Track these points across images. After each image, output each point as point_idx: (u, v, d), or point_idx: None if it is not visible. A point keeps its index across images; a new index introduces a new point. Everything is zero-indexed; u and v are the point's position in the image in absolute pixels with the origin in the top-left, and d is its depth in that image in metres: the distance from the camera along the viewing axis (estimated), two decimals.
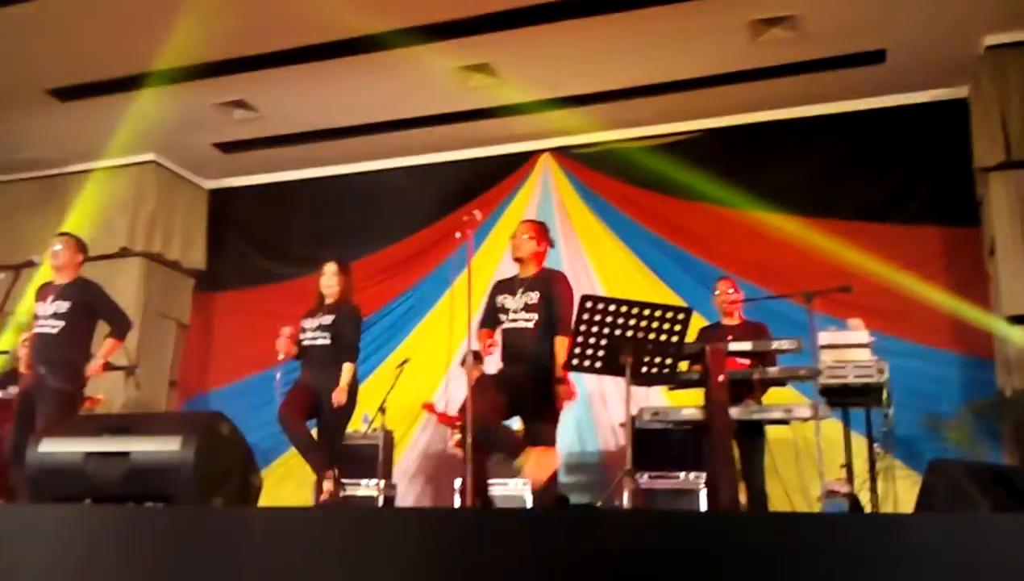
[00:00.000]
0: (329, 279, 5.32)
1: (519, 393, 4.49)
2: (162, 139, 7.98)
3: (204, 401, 8.35)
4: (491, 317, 4.78)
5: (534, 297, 4.65)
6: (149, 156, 8.27)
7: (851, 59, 6.46)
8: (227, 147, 8.16)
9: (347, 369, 5.08)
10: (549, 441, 4.53)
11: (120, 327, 5.43)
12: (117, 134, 7.76)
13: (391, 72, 6.76)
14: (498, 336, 4.73)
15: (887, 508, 4.90)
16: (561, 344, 4.44)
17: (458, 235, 4.54)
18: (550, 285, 4.68)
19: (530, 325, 4.61)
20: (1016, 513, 2.95)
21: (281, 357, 5.23)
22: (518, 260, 4.79)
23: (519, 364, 4.53)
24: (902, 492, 4.97)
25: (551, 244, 4.92)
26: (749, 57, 6.50)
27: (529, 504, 5.63)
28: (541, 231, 4.86)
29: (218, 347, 8.53)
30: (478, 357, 5.48)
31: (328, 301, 5.30)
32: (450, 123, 7.57)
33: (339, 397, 5.00)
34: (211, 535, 2.44)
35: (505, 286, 4.79)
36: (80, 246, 5.52)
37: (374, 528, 2.38)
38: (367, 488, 6.46)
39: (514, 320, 4.64)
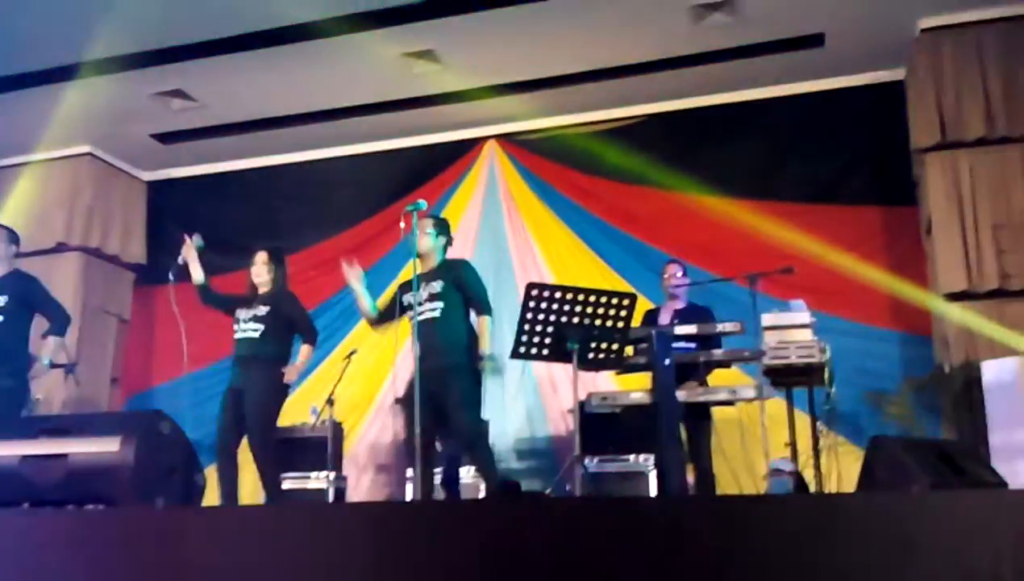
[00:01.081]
0: (259, 268, 5.19)
1: (441, 387, 4.49)
2: (98, 130, 7.79)
3: (147, 398, 8.20)
4: (389, 312, 4.81)
5: (437, 286, 4.68)
6: (85, 148, 8.06)
7: (790, 43, 6.54)
8: (165, 138, 7.99)
9: (305, 350, 5.01)
10: (472, 426, 4.55)
11: (60, 322, 5.31)
12: (51, 126, 7.56)
13: (333, 59, 6.68)
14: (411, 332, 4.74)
15: (831, 484, 5.00)
16: (484, 324, 4.55)
17: (403, 225, 4.51)
18: (457, 271, 4.73)
19: (436, 314, 4.63)
20: (954, 489, 3.02)
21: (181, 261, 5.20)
22: (420, 256, 4.78)
23: (435, 356, 4.53)
24: (845, 468, 5.07)
25: (450, 241, 4.99)
26: (691, 42, 6.54)
27: (482, 493, 5.64)
28: (441, 225, 4.90)
29: (161, 342, 8.37)
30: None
31: (262, 290, 5.19)
32: (394, 111, 7.50)
33: (291, 374, 4.91)
34: (154, 536, 2.40)
35: (407, 286, 4.76)
36: (12, 237, 5.37)
37: (322, 524, 2.36)
38: (317, 480, 6.41)
39: (420, 313, 4.65)
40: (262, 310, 5.07)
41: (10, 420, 4.62)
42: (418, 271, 4.73)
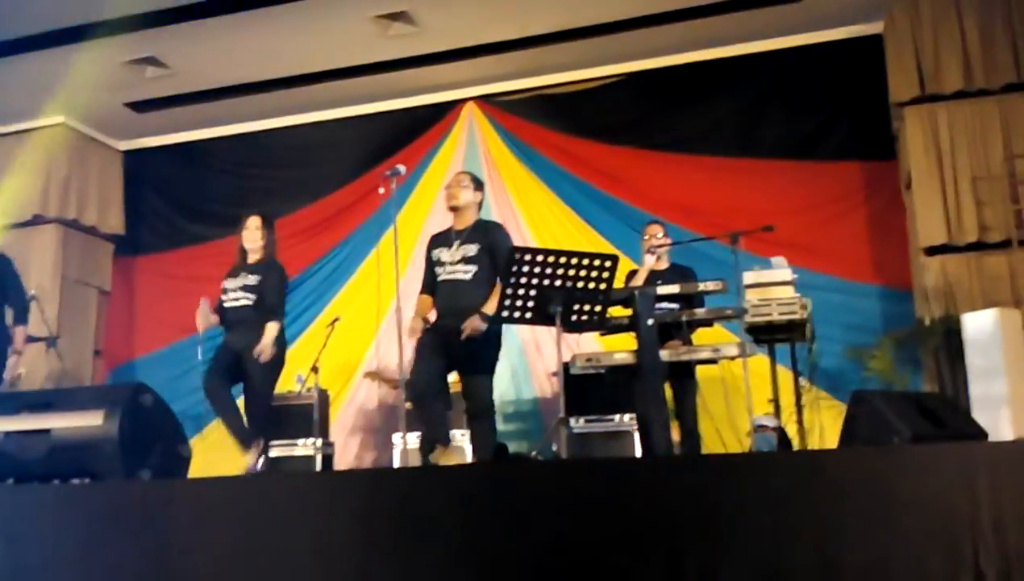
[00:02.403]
0: (252, 234, 5.10)
1: (456, 347, 4.48)
2: (71, 100, 7.66)
3: (130, 369, 8.17)
4: (432, 279, 4.72)
5: (472, 249, 4.60)
6: (58, 118, 7.95)
7: None
8: (140, 106, 7.88)
9: (271, 328, 4.94)
10: (485, 396, 4.55)
11: (21, 312, 5.26)
12: (24, 96, 7.45)
13: (307, 23, 6.59)
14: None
15: (814, 439, 5.05)
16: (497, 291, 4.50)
17: (381, 190, 4.48)
18: (492, 236, 4.66)
19: (467, 277, 4.58)
20: (933, 443, 3.05)
21: (201, 331, 5.01)
22: (454, 209, 4.72)
23: (456, 317, 4.48)
24: (827, 423, 5.13)
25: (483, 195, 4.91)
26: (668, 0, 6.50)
27: (469, 457, 5.67)
28: (477, 181, 4.85)
29: (142, 313, 8.33)
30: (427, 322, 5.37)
31: (252, 258, 5.12)
32: (370, 74, 7.42)
33: (264, 352, 4.88)
34: (140, 509, 2.41)
35: (441, 239, 4.72)
36: None
37: (307, 493, 2.37)
38: (304, 448, 6.43)
39: (452, 273, 4.60)
40: (252, 279, 5.00)
41: None
42: (453, 226, 4.71)
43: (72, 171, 7.96)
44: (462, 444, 5.81)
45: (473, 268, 4.58)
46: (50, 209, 7.79)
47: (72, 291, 7.88)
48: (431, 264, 4.70)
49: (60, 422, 2.66)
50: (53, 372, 7.06)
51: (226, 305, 5.07)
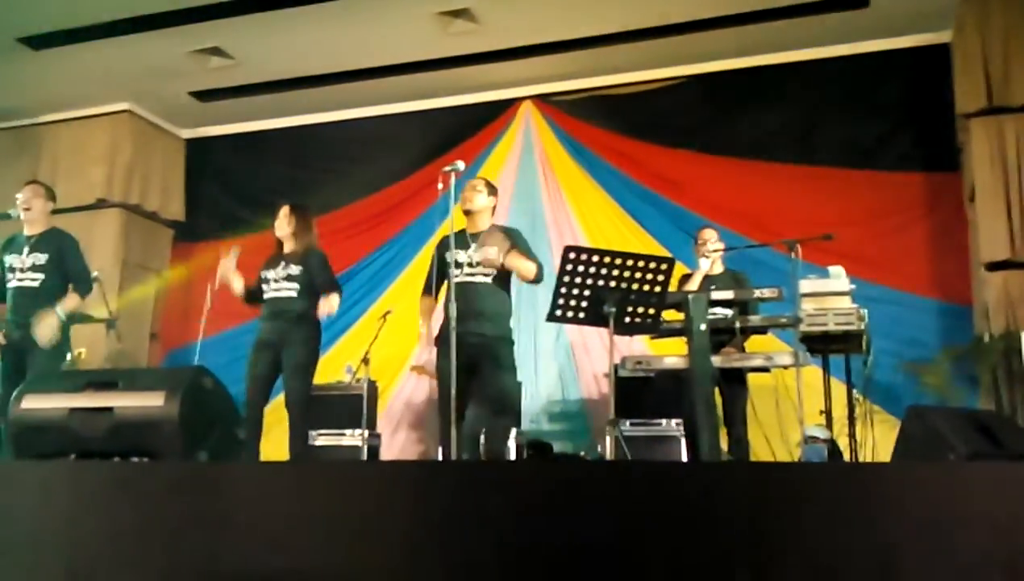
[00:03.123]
0: (280, 221, 5.09)
1: (476, 352, 4.48)
2: (137, 88, 7.85)
3: (185, 354, 8.31)
4: (439, 281, 4.70)
5: (491, 252, 4.62)
6: (124, 105, 8.13)
7: (835, 3, 6.41)
8: (203, 95, 8.03)
9: (334, 297, 4.97)
10: (507, 394, 4.54)
11: (84, 286, 5.34)
12: (91, 83, 7.63)
13: (370, 18, 6.66)
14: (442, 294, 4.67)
15: (865, 453, 4.98)
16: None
17: (440, 186, 4.49)
18: (512, 240, 4.66)
19: (488, 280, 4.59)
20: (992, 461, 3.00)
21: (217, 285, 5.02)
22: (468, 213, 4.73)
23: (477, 322, 4.48)
24: (880, 438, 5.04)
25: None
26: (733, 2, 6.43)
27: (513, 455, 5.68)
28: (491, 186, 4.86)
29: (199, 299, 8.46)
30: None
31: (287, 248, 5.16)
32: (430, 70, 7.47)
33: (329, 307, 4.87)
34: (197, 489, 2.45)
35: (457, 241, 4.60)
36: (49, 194, 5.42)
37: (359, 481, 2.39)
38: (351, 438, 6.50)
39: (470, 274, 4.59)
40: (295, 269, 5.03)
41: (51, 374, 4.69)
42: (467, 229, 4.71)
43: (136, 157, 8.14)
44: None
45: (493, 272, 4.58)
46: (114, 194, 7.97)
47: (132, 275, 8.06)
48: (442, 265, 4.63)
49: (123, 401, 2.71)
50: (111, 353, 7.21)
51: (267, 295, 5.06)
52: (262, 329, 5.06)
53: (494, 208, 4.85)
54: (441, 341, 4.53)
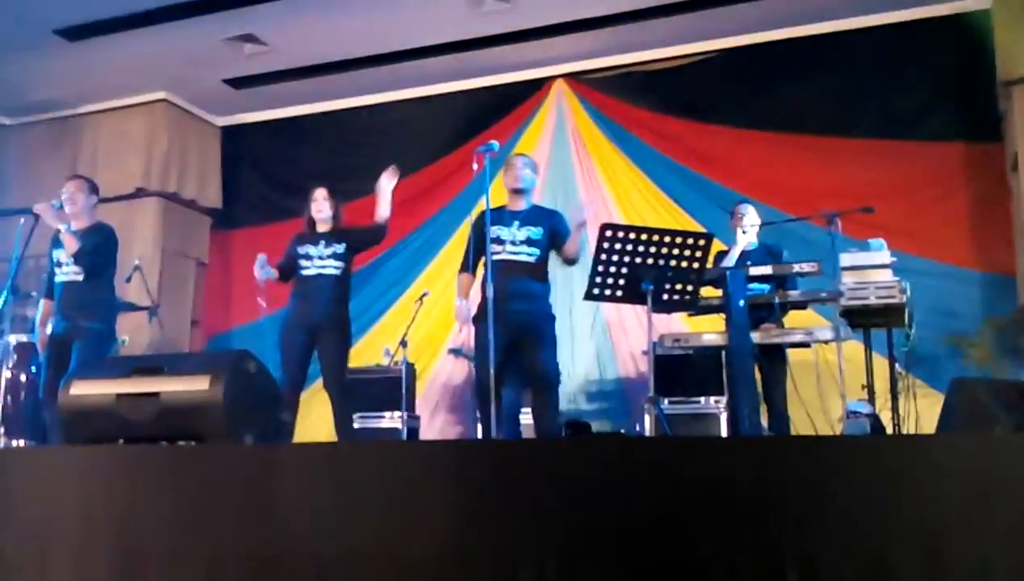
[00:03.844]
0: (321, 205, 5.12)
1: (520, 331, 4.48)
2: (172, 76, 7.91)
3: (226, 339, 8.42)
4: (476, 258, 4.71)
5: (536, 232, 4.60)
6: (160, 94, 8.20)
7: None
8: (238, 83, 8.08)
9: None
10: (550, 369, 4.54)
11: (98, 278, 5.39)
12: (127, 72, 7.71)
13: (402, 0, 6.65)
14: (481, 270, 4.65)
15: (908, 428, 4.92)
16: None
17: (475, 166, 4.49)
18: (555, 221, 4.67)
19: (532, 260, 4.58)
20: None
21: (261, 282, 5.01)
22: (519, 192, 4.73)
23: (520, 300, 4.49)
24: (923, 411, 4.98)
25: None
26: None
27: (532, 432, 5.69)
28: (535, 164, 4.86)
29: (238, 285, 8.57)
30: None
31: (322, 228, 5.18)
32: (462, 51, 7.45)
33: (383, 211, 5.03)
34: (244, 472, 2.49)
35: (497, 217, 4.64)
36: (92, 188, 5.49)
37: (404, 461, 2.42)
38: (391, 420, 6.55)
39: (514, 253, 4.59)
40: (340, 247, 5.06)
41: (98, 361, 4.77)
42: (508, 207, 4.72)
43: (172, 146, 8.22)
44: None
45: (537, 251, 4.58)
46: (152, 183, 8.06)
47: (172, 262, 8.15)
48: (481, 241, 4.60)
49: (169, 386, 2.76)
50: (154, 340, 7.32)
51: (307, 272, 5.05)
52: (295, 309, 5.04)
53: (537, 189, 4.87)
54: (480, 319, 4.53)
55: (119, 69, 7.65)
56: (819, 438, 2.90)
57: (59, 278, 5.28)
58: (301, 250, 5.12)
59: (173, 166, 8.20)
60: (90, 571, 2.48)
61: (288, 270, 5.16)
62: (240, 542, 2.39)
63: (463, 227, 5.31)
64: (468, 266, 4.77)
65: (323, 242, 5.09)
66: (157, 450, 2.75)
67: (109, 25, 6.96)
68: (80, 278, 5.21)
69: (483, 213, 4.60)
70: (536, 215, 4.70)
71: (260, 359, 3.04)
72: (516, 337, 4.46)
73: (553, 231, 4.64)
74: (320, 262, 5.05)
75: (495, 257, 4.52)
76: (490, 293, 4.30)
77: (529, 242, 4.60)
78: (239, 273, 8.62)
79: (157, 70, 7.73)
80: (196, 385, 2.71)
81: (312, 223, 5.20)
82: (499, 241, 4.59)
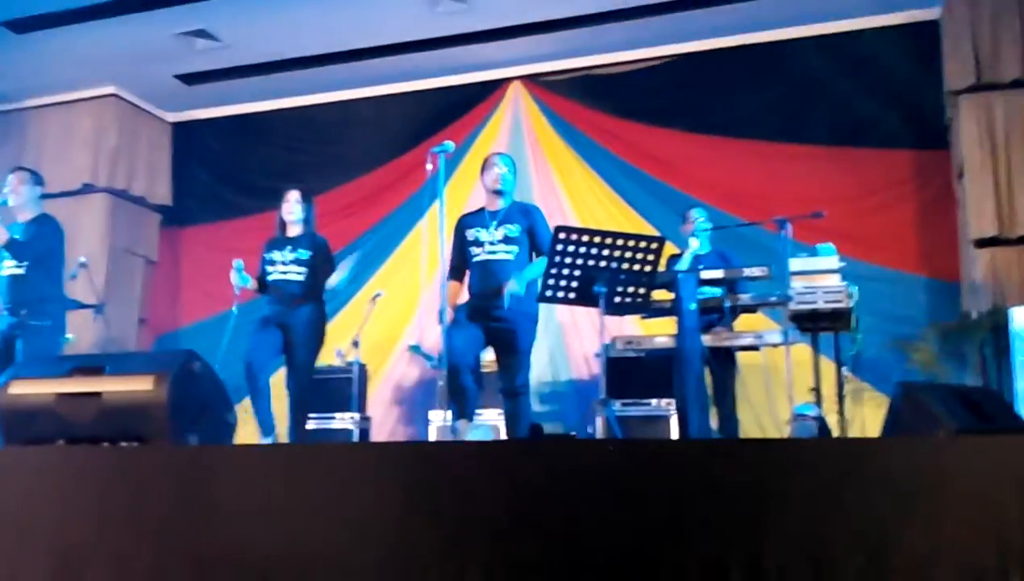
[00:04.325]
0: (292, 206, 5.11)
1: (493, 325, 4.48)
2: (122, 71, 7.77)
3: (174, 338, 8.30)
4: (461, 263, 4.71)
5: (514, 229, 4.60)
6: (109, 89, 8.06)
7: None
8: (189, 79, 7.96)
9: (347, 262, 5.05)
10: (521, 374, 4.54)
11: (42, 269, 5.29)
12: (76, 66, 7.56)
13: None
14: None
15: (855, 430, 5.00)
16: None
17: (430, 167, 4.47)
18: (533, 218, 4.67)
19: (510, 257, 4.58)
20: (980, 435, 3.01)
21: (237, 289, 5.02)
22: (497, 193, 4.72)
23: (496, 297, 4.47)
24: (869, 414, 5.08)
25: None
26: None
27: (504, 435, 5.69)
28: (514, 164, 4.86)
29: (187, 283, 8.46)
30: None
31: (291, 231, 5.16)
32: (418, 51, 7.42)
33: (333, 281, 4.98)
34: (188, 473, 2.45)
35: (475, 220, 4.70)
36: (36, 179, 5.37)
37: (352, 463, 2.39)
38: (342, 421, 6.50)
39: (492, 252, 4.59)
40: (304, 253, 5.02)
41: (40, 359, 4.67)
42: (486, 207, 4.72)
43: (122, 142, 8.08)
44: (497, 423, 5.82)
45: (515, 249, 4.57)
46: (100, 179, 7.91)
47: (119, 260, 8.01)
48: (464, 245, 4.65)
49: (111, 386, 2.70)
50: (99, 339, 7.18)
51: (272, 278, 5.07)
52: (267, 310, 5.06)
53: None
54: (456, 318, 4.54)
55: (68, 63, 7.50)
56: (766, 441, 2.93)
57: (3, 273, 5.16)
58: (268, 255, 5.13)
59: (122, 162, 8.06)
60: (26, 575, 2.42)
61: (264, 282, 5.17)
62: (183, 544, 2.35)
63: (417, 228, 5.30)
64: (454, 272, 4.77)
65: (289, 247, 5.08)
66: (97, 451, 2.69)
67: (58, 18, 6.83)
68: (21, 271, 5.09)
69: (463, 217, 4.69)
70: (513, 213, 4.69)
71: (206, 359, 2.99)
72: (494, 339, 4.47)
73: (531, 227, 4.64)
74: (283, 268, 5.04)
75: (475, 259, 4.58)
76: (444, 300, 4.30)
77: (507, 240, 4.59)
78: (188, 271, 8.52)
79: (107, 64, 7.59)
80: (140, 385, 2.65)
81: (283, 225, 5.16)
82: (478, 243, 4.61)
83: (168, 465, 2.49)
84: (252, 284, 5.09)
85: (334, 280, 4.97)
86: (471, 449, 2.87)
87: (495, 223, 4.63)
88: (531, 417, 4.68)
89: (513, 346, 4.54)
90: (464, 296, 4.74)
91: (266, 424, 4.84)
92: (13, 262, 5.11)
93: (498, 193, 4.71)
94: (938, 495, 2.16)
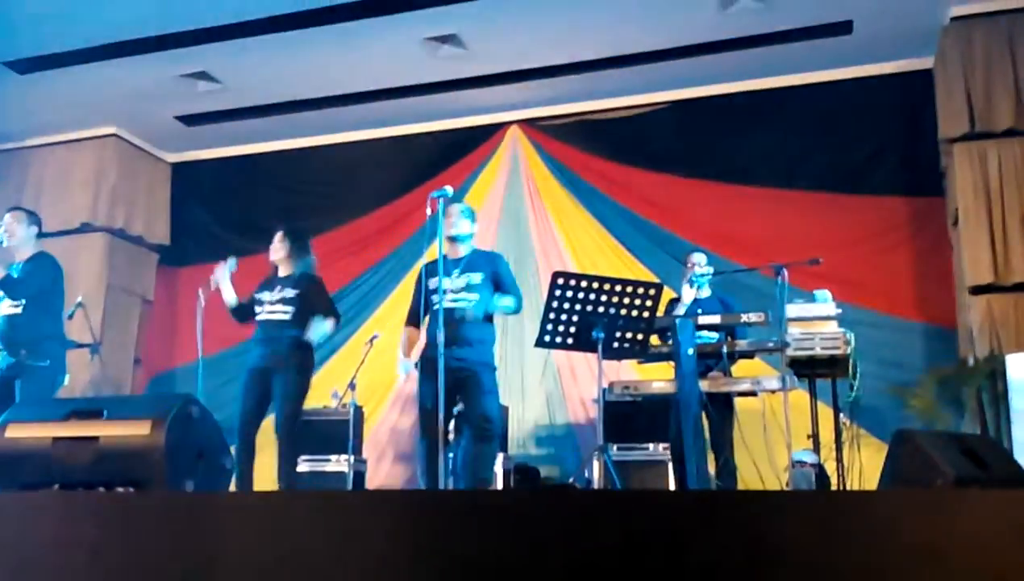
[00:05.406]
0: (275, 245, 5.15)
1: (463, 378, 4.46)
2: (123, 112, 7.83)
3: (169, 378, 8.26)
4: (420, 310, 4.67)
5: (476, 277, 4.60)
6: (110, 129, 8.11)
7: (818, 30, 6.47)
8: (190, 120, 8.02)
9: (331, 321, 4.99)
10: (491, 419, 4.52)
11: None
12: (77, 107, 7.61)
13: (358, 43, 6.67)
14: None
15: (853, 476, 4.97)
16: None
17: (429, 211, 4.48)
18: (495, 266, 4.68)
19: (472, 306, 4.58)
20: (978, 483, 3.01)
21: (212, 287, 5.07)
22: (454, 239, 4.70)
23: (459, 347, 4.46)
24: (867, 460, 5.04)
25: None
26: (717, 28, 6.48)
27: (500, 480, 5.66)
28: (473, 213, 4.87)
29: (183, 323, 8.43)
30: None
31: (283, 272, 5.17)
32: (418, 95, 7.49)
33: (322, 329, 4.94)
34: (184, 519, 2.42)
35: (432, 267, 4.60)
36: (33, 219, 5.37)
37: (350, 511, 2.37)
38: (337, 463, 6.45)
39: (455, 300, 4.56)
40: (291, 293, 5.02)
41: (36, 402, 4.64)
42: (447, 255, 4.71)
43: (121, 181, 8.11)
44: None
45: (475, 296, 4.56)
46: (98, 218, 7.93)
47: (116, 299, 8.00)
48: (425, 293, 4.61)
49: (108, 430, 2.69)
50: (94, 378, 7.16)
51: (260, 318, 5.07)
52: (254, 354, 5.05)
53: (474, 234, 4.85)
54: (423, 366, 4.52)
55: (69, 103, 7.56)
56: (765, 493, 2.92)
57: (2, 312, 5.15)
58: (258, 295, 5.15)
59: (121, 202, 8.09)
60: None
61: (244, 310, 5.17)
62: None
63: (414, 271, 5.29)
64: (413, 317, 4.77)
65: (278, 286, 5.08)
66: (93, 496, 2.67)
67: (60, 59, 6.88)
68: (18, 311, 5.07)
69: (427, 265, 4.64)
70: (474, 261, 4.70)
71: (203, 403, 2.97)
72: (456, 385, 4.44)
73: (495, 275, 4.64)
74: (271, 307, 5.04)
75: (436, 307, 4.53)
76: (441, 339, 4.28)
77: (468, 289, 4.58)
78: (185, 311, 8.47)
79: (108, 105, 7.65)
80: (137, 430, 2.64)
81: (274, 266, 5.20)
82: (439, 291, 4.58)
83: (164, 512, 2.47)
84: (229, 293, 5.10)
85: (313, 336, 4.93)
86: (461, 498, 2.85)
87: (457, 271, 4.62)
88: (492, 464, 4.63)
89: (473, 391, 4.49)
90: (422, 342, 4.71)
91: (245, 477, 4.80)
92: (10, 302, 5.10)
93: (454, 240, 4.70)
94: (940, 547, 2.14)
